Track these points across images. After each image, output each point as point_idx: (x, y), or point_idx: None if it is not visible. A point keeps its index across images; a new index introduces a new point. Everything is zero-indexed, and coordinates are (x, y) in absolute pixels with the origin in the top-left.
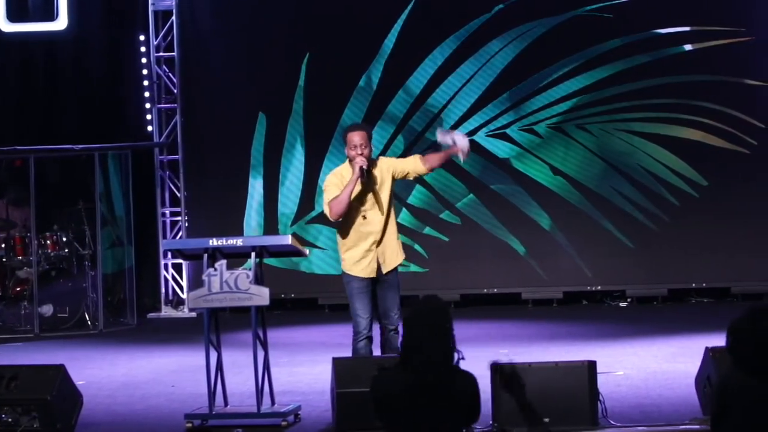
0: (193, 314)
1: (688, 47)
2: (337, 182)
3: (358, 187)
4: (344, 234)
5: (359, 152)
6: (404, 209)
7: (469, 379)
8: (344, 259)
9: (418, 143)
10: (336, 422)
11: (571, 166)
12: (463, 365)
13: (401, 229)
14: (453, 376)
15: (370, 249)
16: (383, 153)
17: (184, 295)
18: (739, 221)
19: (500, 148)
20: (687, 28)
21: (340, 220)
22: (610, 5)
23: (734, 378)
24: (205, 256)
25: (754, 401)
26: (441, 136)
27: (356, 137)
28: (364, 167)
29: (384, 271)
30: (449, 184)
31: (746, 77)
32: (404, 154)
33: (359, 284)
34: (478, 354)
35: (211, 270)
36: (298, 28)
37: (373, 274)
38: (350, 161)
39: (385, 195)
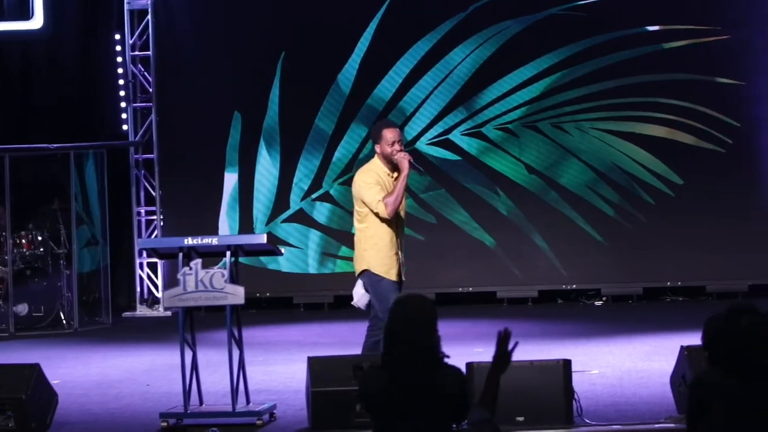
0: (169, 313)
1: (663, 46)
2: (377, 179)
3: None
4: (379, 235)
5: (399, 148)
6: None
7: (456, 375)
8: (372, 260)
9: None
10: (311, 421)
11: (547, 165)
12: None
13: None
14: (439, 372)
15: (397, 252)
16: (357, 154)
17: (159, 294)
18: (714, 220)
19: (475, 147)
20: (662, 27)
21: (369, 224)
22: (585, 4)
23: (711, 377)
24: (180, 255)
25: (731, 401)
26: None
27: (392, 134)
28: (412, 161)
29: (403, 274)
30: (420, 179)
31: (722, 76)
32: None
33: (390, 284)
34: (453, 353)
35: (186, 269)
36: (273, 28)
37: (398, 278)
38: (384, 158)
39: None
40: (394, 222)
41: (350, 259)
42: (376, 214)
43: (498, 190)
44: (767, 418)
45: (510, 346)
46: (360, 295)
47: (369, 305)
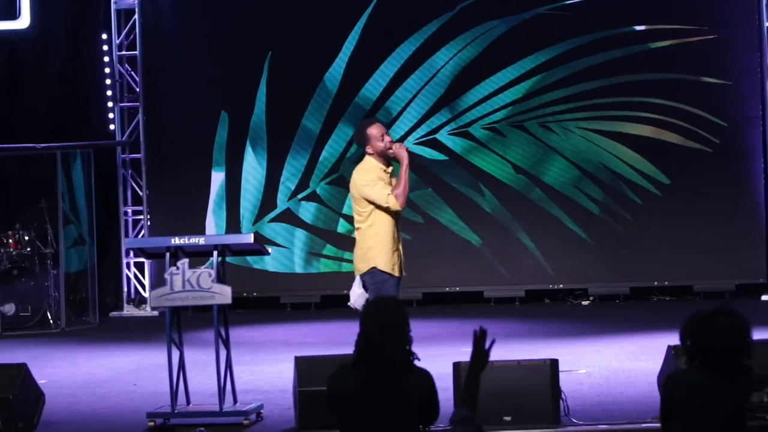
0: (156, 313)
1: (650, 45)
2: (378, 175)
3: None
4: (383, 232)
5: (390, 139)
6: None
7: (425, 378)
8: (379, 258)
9: None
10: (298, 420)
11: (533, 164)
12: (424, 364)
13: None
14: (408, 374)
15: (398, 248)
16: (344, 154)
17: (146, 294)
18: (701, 220)
19: (462, 147)
20: (649, 27)
21: (372, 222)
22: (572, 4)
23: (684, 376)
24: (167, 254)
25: (705, 400)
26: None
27: (377, 129)
28: (409, 150)
29: (403, 269)
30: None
31: (708, 76)
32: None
33: (395, 282)
34: (440, 352)
35: (173, 269)
36: (260, 27)
37: (400, 273)
38: (378, 155)
39: None
40: (396, 217)
41: (335, 258)
42: (386, 209)
43: (485, 190)
44: (737, 416)
45: (486, 345)
46: (357, 296)
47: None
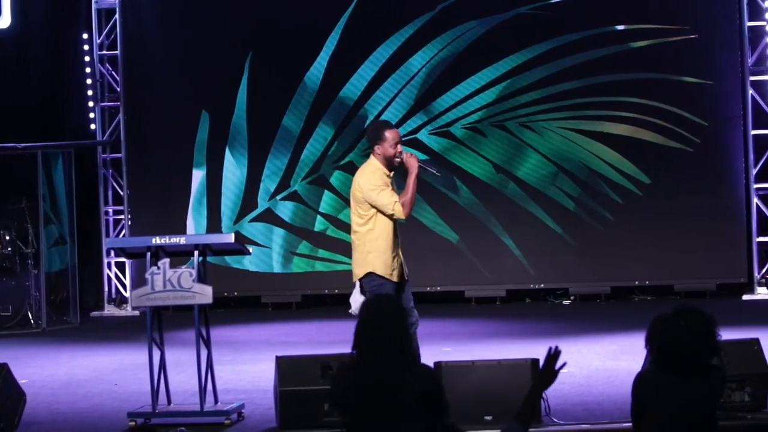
0: (137, 313)
1: (631, 45)
2: (384, 180)
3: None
4: (383, 236)
5: (402, 150)
6: (349, 209)
7: (427, 372)
8: (377, 262)
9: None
10: (279, 420)
11: (514, 164)
12: None
13: (345, 227)
14: (411, 371)
15: (398, 253)
16: (324, 153)
17: (127, 294)
18: (681, 219)
19: (443, 146)
20: (630, 27)
21: (373, 227)
22: (553, 4)
23: (652, 376)
24: (148, 254)
25: (673, 399)
26: None
27: (394, 134)
28: (420, 160)
29: (405, 274)
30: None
31: (689, 75)
32: (347, 153)
33: (392, 286)
34: (422, 352)
35: (154, 268)
36: (241, 27)
37: (400, 279)
38: (384, 159)
39: None
40: (396, 223)
41: (309, 257)
42: (390, 216)
43: (465, 189)
44: (707, 415)
45: (558, 365)
46: (359, 303)
47: None
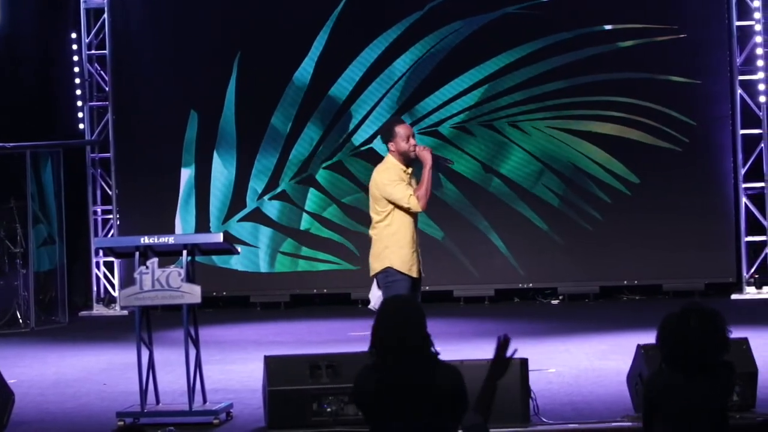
0: (125, 312)
1: (619, 45)
2: (400, 175)
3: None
4: (402, 232)
5: (415, 143)
6: (335, 206)
7: (452, 371)
8: (394, 257)
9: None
10: (268, 420)
11: (503, 164)
12: None
13: (333, 226)
14: (434, 370)
15: (416, 249)
16: (313, 153)
17: (115, 294)
18: (670, 219)
19: (431, 146)
20: (618, 26)
21: (390, 222)
22: (541, 3)
23: (663, 377)
24: (137, 254)
25: (684, 399)
26: None
27: (406, 129)
28: (433, 153)
29: (422, 270)
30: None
31: (678, 75)
32: (335, 153)
33: (408, 283)
34: None
35: (142, 268)
36: (230, 27)
37: (419, 274)
38: (399, 155)
39: None
40: (415, 218)
41: (294, 255)
42: (407, 210)
43: (454, 189)
44: (718, 415)
45: (509, 353)
46: (377, 297)
47: None
